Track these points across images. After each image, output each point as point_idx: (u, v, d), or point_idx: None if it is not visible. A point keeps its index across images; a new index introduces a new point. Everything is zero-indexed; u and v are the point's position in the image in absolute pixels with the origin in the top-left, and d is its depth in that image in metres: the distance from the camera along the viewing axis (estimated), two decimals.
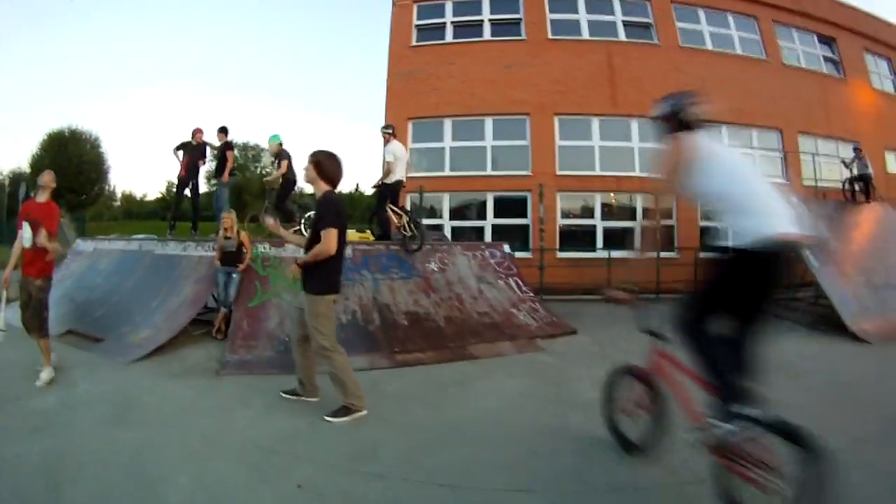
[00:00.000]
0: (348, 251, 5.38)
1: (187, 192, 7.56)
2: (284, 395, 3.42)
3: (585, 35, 11.39)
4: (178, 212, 7.84)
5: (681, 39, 11.49)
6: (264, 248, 5.44)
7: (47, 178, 4.13)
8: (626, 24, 11.53)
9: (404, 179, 6.35)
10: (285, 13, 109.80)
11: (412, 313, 5.14)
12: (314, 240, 3.07)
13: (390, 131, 6.33)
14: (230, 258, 5.28)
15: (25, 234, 3.94)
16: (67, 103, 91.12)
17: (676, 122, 2.25)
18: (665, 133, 2.30)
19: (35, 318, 3.97)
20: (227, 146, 7.34)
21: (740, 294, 2.00)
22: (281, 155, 7.01)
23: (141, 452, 2.62)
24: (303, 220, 7.16)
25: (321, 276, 3.09)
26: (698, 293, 2.19)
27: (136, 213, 45.81)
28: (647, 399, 2.48)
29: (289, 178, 6.99)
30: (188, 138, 7.36)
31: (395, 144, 6.27)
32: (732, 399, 1.91)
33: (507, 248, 6.55)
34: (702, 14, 11.88)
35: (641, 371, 2.50)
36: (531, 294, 6.24)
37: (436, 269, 5.74)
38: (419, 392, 3.71)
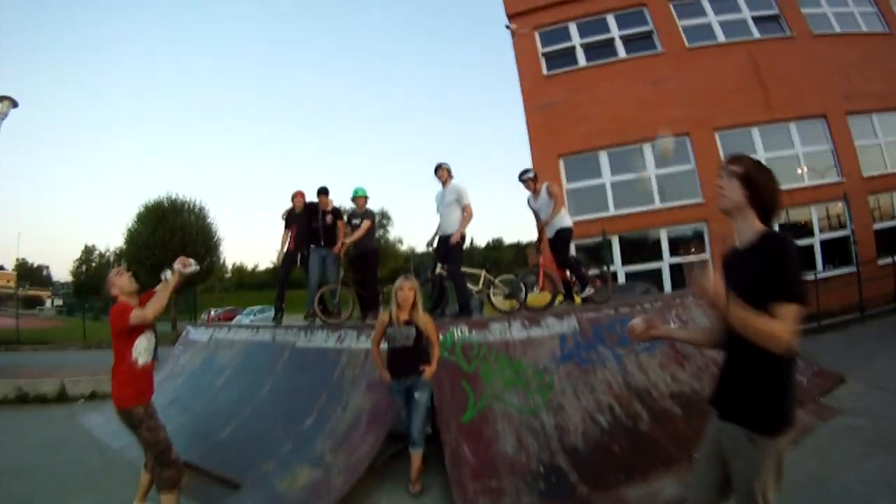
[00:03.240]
0: (573, 323, 4.21)
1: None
2: None
3: (722, 38, 10.69)
4: (283, 296, 6.15)
5: (811, 26, 10.64)
6: (461, 331, 3.95)
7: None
8: (755, 19, 10.82)
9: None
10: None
11: (679, 395, 3.91)
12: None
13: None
14: (405, 360, 3.16)
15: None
16: (169, 174, 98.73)
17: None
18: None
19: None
20: (336, 214, 5.94)
21: None
22: (366, 213, 5.74)
23: None
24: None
25: (773, 397, 1.47)
26: None
27: (247, 284, 46.12)
28: None
29: (369, 246, 5.79)
30: (290, 205, 6.18)
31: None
32: None
33: None
34: None
35: None
36: None
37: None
38: None
